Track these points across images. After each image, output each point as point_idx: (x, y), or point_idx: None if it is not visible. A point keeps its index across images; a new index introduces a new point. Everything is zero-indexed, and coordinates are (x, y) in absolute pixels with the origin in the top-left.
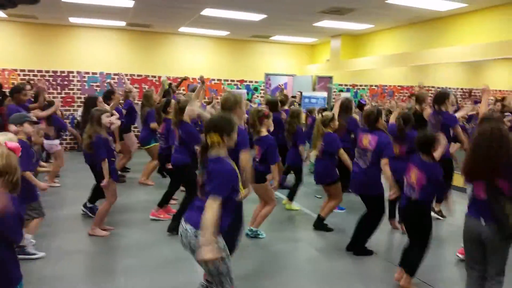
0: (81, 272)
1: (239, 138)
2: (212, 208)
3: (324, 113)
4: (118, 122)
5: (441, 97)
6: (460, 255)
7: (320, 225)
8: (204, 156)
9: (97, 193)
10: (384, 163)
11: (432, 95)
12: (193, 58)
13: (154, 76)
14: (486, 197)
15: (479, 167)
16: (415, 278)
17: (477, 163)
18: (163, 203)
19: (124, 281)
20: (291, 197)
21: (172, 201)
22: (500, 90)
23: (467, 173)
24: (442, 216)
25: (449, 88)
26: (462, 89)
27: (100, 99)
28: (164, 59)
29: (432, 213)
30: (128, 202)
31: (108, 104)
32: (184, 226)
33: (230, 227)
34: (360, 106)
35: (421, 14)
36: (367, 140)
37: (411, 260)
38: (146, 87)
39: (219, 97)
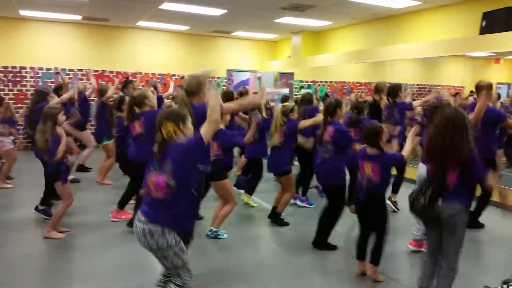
0: (34, 277)
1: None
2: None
3: (285, 104)
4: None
5: (394, 89)
6: (410, 246)
7: (275, 219)
8: (162, 151)
9: (49, 195)
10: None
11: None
12: (152, 53)
13: (112, 72)
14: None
15: (438, 147)
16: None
17: (437, 142)
18: (123, 203)
19: (81, 285)
20: (249, 191)
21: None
22: (453, 86)
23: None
24: (397, 209)
25: (405, 84)
26: (417, 85)
27: (52, 94)
28: (122, 54)
29: (388, 202)
30: (86, 203)
31: (59, 97)
32: (144, 226)
33: (184, 216)
34: (324, 98)
35: (378, 12)
36: (326, 133)
37: (374, 249)
38: (103, 82)
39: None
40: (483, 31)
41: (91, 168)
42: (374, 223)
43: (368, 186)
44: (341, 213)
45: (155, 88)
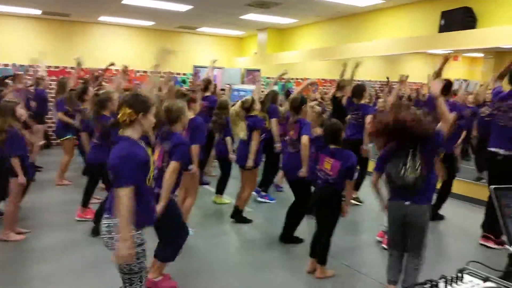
0: None
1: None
2: (124, 200)
3: (244, 98)
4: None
5: (359, 90)
6: (378, 238)
7: (238, 217)
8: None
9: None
10: (304, 141)
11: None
12: (116, 49)
13: (73, 68)
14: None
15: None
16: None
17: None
18: (86, 202)
19: None
20: (220, 191)
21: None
22: (415, 82)
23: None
24: (360, 202)
25: (369, 81)
26: (380, 81)
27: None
28: (84, 50)
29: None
30: (45, 203)
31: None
32: (108, 221)
33: (145, 211)
34: (288, 95)
35: (342, 10)
36: (292, 130)
37: (320, 250)
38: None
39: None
40: (442, 29)
41: (42, 167)
42: (325, 219)
43: (325, 180)
44: (306, 208)
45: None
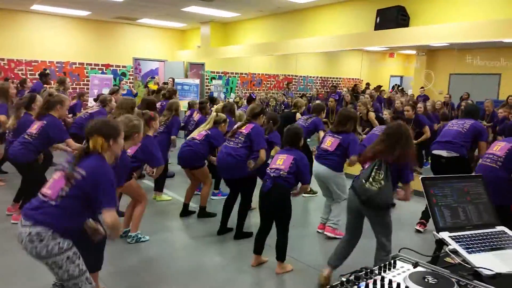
0: None
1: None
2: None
3: (220, 114)
4: None
5: (319, 108)
6: (328, 233)
7: (203, 213)
8: (80, 159)
9: None
10: (261, 155)
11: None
12: (50, 40)
13: (3, 59)
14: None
15: (385, 151)
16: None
17: (385, 148)
18: (23, 203)
19: None
20: (159, 188)
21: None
22: (352, 78)
23: (372, 156)
24: (314, 192)
25: (310, 77)
26: (321, 77)
27: None
28: (15, 41)
29: (305, 194)
30: None
31: None
32: (31, 229)
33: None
34: (249, 100)
35: (282, 5)
36: (244, 127)
37: (279, 246)
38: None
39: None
40: (377, 27)
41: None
42: (278, 216)
43: (275, 177)
44: (249, 201)
45: (63, 82)
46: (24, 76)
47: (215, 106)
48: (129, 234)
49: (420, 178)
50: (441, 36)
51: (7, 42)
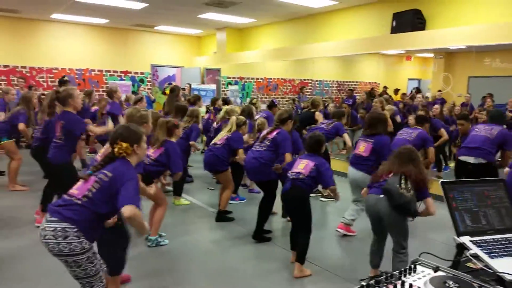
0: None
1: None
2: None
3: (240, 117)
4: None
5: (338, 113)
6: (340, 230)
7: (221, 217)
8: (104, 163)
9: None
10: (287, 156)
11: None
12: (70, 47)
13: (25, 67)
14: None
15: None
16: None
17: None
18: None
19: None
20: (178, 192)
21: None
22: (369, 82)
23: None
24: (331, 197)
25: (326, 81)
26: (337, 81)
27: None
28: (36, 48)
29: (323, 198)
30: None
31: None
32: (57, 225)
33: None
34: (271, 105)
35: (298, 11)
36: (269, 133)
37: (299, 248)
38: (15, 78)
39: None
40: (394, 30)
41: (4, 172)
42: (297, 216)
43: (294, 179)
44: (273, 202)
45: (89, 95)
46: (45, 83)
47: (226, 107)
48: (149, 237)
49: (439, 182)
50: (458, 38)
51: (29, 50)
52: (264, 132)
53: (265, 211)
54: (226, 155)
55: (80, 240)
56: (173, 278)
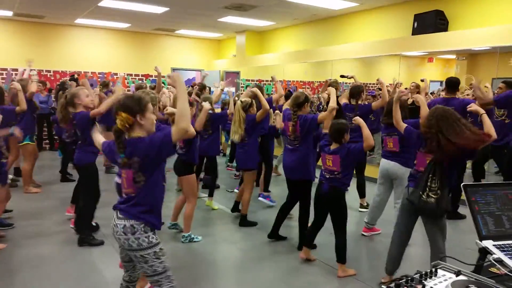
0: None
1: None
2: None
3: (243, 99)
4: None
5: (357, 91)
6: (365, 233)
7: (244, 223)
8: (120, 140)
9: None
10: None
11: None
12: (92, 51)
13: (49, 71)
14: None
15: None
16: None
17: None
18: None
19: None
20: (211, 193)
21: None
22: (390, 84)
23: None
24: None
25: (346, 83)
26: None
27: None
28: (60, 53)
29: (362, 209)
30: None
31: None
32: (125, 222)
33: (158, 209)
34: (287, 96)
35: (318, 13)
36: (294, 127)
37: (337, 248)
38: (40, 85)
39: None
40: (415, 32)
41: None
42: (333, 216)
43: (330, 177)
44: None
45: (107, 85)
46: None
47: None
48: (183, 234)
49: (461, 185)
50: (482, 39)
51: (53, 54)
52: (291, 128)
53: (303, 222)
54: (253, 149)
55: (147, 234)
56: (201, 275)
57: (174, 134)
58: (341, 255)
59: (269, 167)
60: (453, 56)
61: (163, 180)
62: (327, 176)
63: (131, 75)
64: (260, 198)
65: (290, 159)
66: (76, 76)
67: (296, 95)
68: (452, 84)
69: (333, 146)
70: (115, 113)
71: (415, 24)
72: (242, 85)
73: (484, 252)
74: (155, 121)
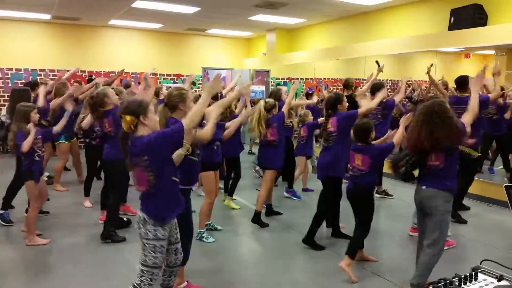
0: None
1: None
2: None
3: (267, 99)
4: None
5: (377, 88)
6: (412, 233)
7: (256, 220)
8: (125, 143)
9: (11, 198)
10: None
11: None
12: (125, 51)
13: (84, 71)
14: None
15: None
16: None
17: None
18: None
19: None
20: (230, 192)
21: None
22: (425, 81)
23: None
24: (388, 195)
25: (379, 80)
26: (390, 80)
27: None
28: (94, 53)
29: (378, 195)
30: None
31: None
32: (141, 214)
33: (169, 205)
34: (307, 95)
35: (350, 9)
36: (330, 123)
37: (352, 239)
38: (76, 84)
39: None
40: (451, 27)
41: (69, 169)
42: (359, 212)
43: (357, 176)
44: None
45: (128, 87)
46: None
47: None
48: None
49: (504, 186)
50: None
51: (88, 55)
52: (322, 126)
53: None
54: (279, 149)
55: (155, 228)
56: (229, 277)
57: (186, 124)
58: (352, 248)
59: (290, 162)
60: (492, 52)
61: (175, 175)
62: (353, 174)
63: (163, 74)
64: (285, 193)
65: (323, 157)
66: (93, 77)
67: (328, 97)
68: (461, 83)
69: (360, 144)
70: (120, 117)
71: (452, 19)
72: (272, 83)
73: None
74: (157, 120)
